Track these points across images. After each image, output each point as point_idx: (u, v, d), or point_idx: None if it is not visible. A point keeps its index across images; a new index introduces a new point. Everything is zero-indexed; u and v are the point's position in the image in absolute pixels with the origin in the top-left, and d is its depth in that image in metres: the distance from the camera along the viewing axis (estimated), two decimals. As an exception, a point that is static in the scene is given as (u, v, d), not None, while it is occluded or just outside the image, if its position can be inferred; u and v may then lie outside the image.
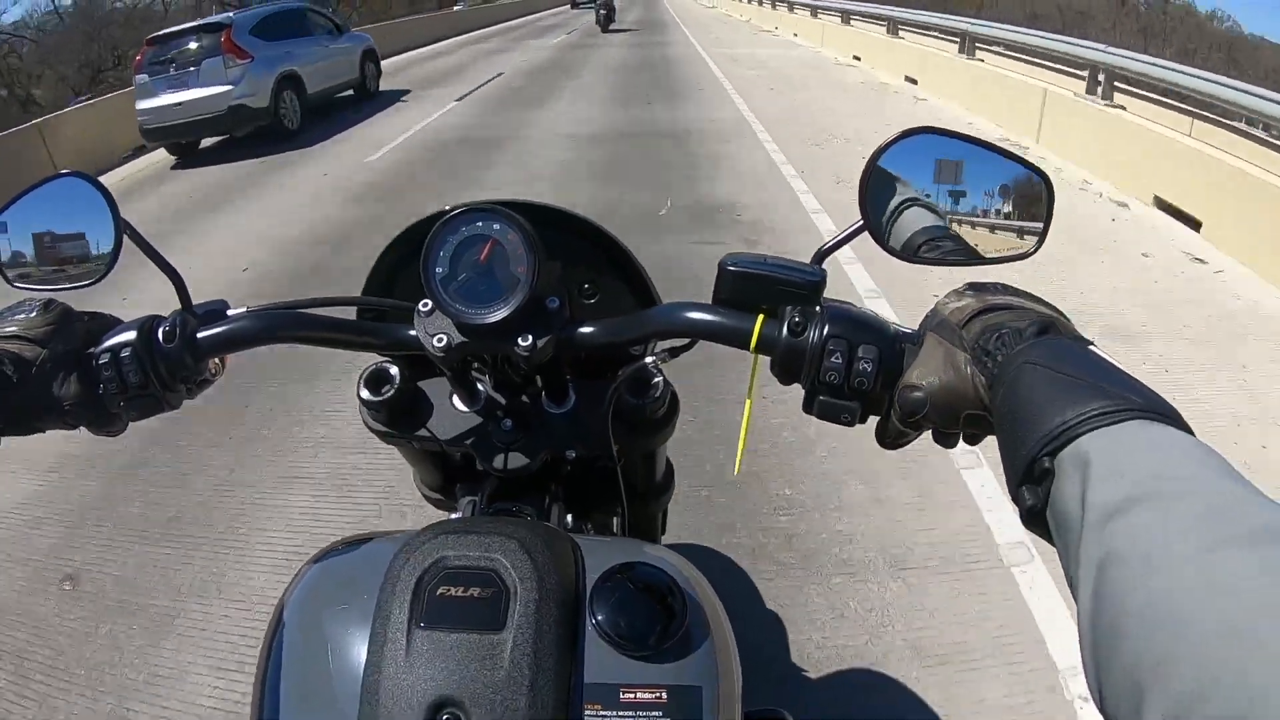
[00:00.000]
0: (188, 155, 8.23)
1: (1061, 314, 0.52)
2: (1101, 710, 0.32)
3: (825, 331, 0.57)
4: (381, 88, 11.19)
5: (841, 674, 1.72)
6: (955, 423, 0.51)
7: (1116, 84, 5.77)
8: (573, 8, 32.57)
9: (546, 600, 0.56)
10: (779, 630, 1.83)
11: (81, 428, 0.65)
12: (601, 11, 19.90)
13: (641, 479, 0.91)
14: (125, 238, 0.67)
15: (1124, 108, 5.66)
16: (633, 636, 0.56)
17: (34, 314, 0.64)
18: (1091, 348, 0.46)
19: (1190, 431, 0.39)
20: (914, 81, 9.25)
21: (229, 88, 7.90)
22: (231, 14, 9.17)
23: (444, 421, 0.77)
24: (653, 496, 0.94)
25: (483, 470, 0.77)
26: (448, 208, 0.67)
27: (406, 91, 11.17)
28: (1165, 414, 0.39)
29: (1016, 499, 0.42)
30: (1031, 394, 0.42)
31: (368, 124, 9.05)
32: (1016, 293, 0.54)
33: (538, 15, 30.03)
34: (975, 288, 0.55)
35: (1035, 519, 0.41)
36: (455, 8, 27.27)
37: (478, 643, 0.54)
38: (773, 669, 1.73)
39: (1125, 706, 0.30)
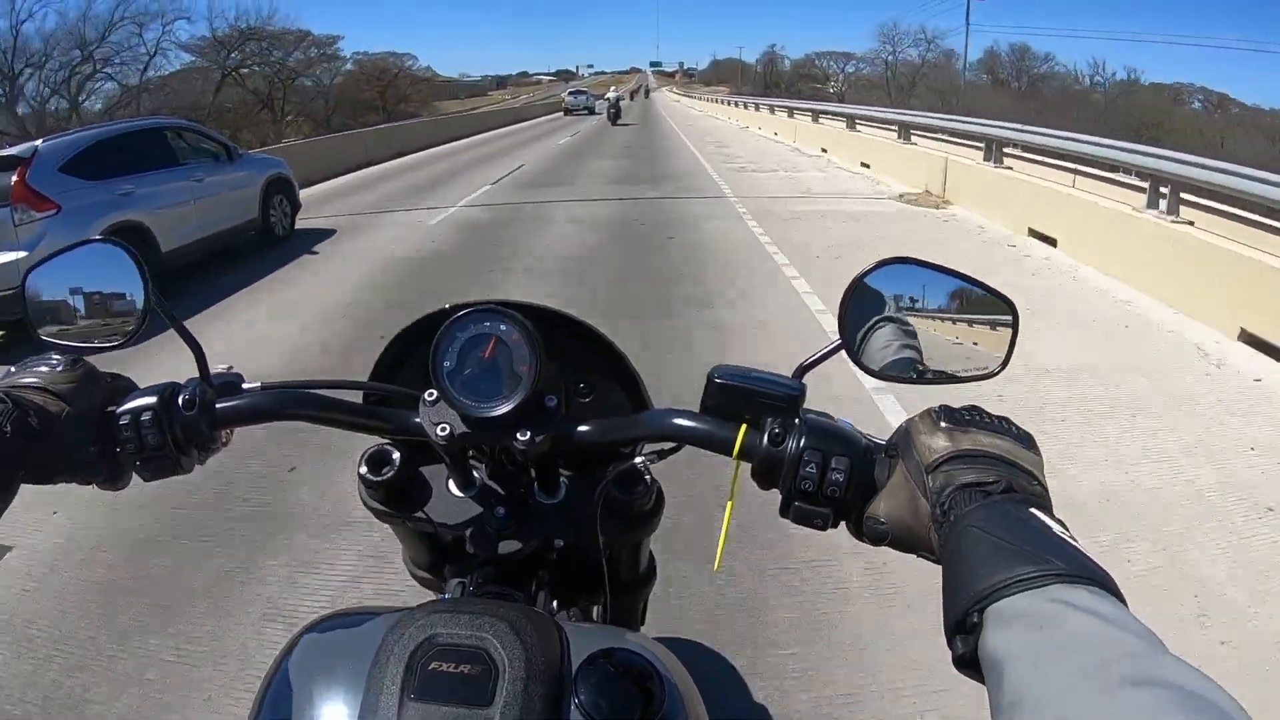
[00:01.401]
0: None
1: (1031, 447, 0.56)
2: None
3: (802, 443, 0.61)
4: (302, 225, 8.28)
5: None
6: (913, 552, 0.57)
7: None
8: (566, 115, 36.42)
9: (533, 680, 0.57)
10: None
11: (92, 484, 0.67)
12: (611, 110, 28.85)
13: (625, 569, 0.92)
14: (155, 308, 0.70)
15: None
16: (615, 717, 0.58)
17: (59, 369, 0.66)
18: (1033, 510, 0.50)
19: (1117, 593, 0.44)
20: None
21: (18, 255, 4.98)
22: (38, 143, 5.67)
23: (440, 505, 0.80)
24: (635, 587, 0.96)
25: (473, 553, 0.79)
26: (453, 306, 0.72)
27: (329, 234, 8.20)
28: (1090, 577, 0.44)
29: (950, 645, 0.46)
30: (970, 556, 0.47)
31: (248, 296, 6.06)
32: (989, 424, 0.57)
33: (524, 125, 29.43)
34: (949, 418, 0.57)
35: (965, 664, 0.45)
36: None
37: (467, 717, 0.55)
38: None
39: None
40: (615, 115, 28.40)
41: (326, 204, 10.02)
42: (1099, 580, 0.44)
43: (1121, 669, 0.36)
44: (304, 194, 8.89)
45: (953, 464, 0.54)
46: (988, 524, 0.48)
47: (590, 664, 0.61)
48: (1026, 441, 0.57)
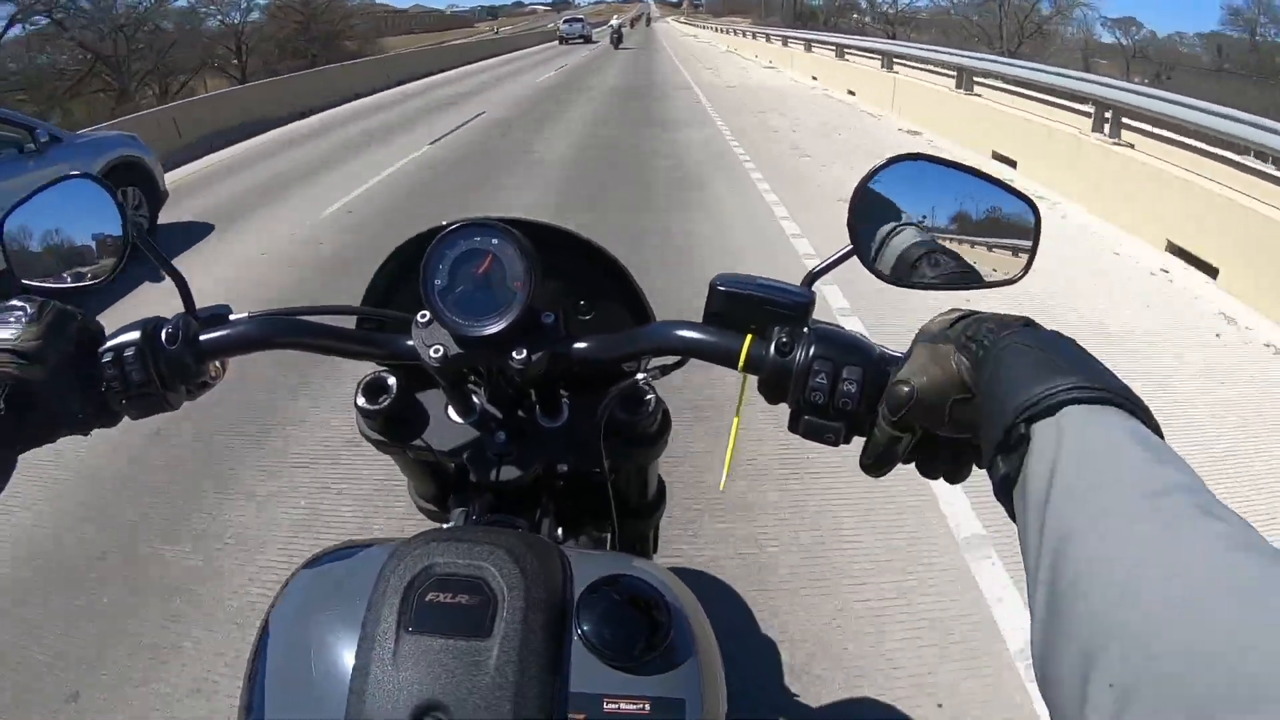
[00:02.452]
0: None
1: None
2: (1044, 691, 0.33)
3: (811, 353, 0.58)
4: (169, 219, 5.79)
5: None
6: (943, 418, 0.52)
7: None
8: (562, 44, 34.25)
9: (533, 609, 0.56)
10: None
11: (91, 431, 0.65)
12: (614, 36, 31.21)
13: (633, 494, 0.91)
14: (133, 241, 0.68)
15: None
16: (618, 647, 0.57)
17: (26, 323, 0.62)
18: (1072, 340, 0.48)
19: (1159, 429, 0.41)
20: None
21: None
22: None
23: (439, 432, 0.78)
24: (644, 513, 0.94)
25: (476, 482, 0.77)
26: (447, 223, 0.69)
27: (208, 229, 5.81)
28: (1137, 405, 0.41)
29: (991, 469, 0.43)
30: (1016, 368, 0.44)
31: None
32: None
33: (505, 59, 26.50)
34: (960, 310, 0.56)
35: (1005, 488, 0.42)
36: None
37: (464, 649, 0.54)
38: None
39: (1071, 679, 0.31)
40: (618, 40, 31.02)
41: (207, 187, 7.37)
42: (1146, 412, 0.41)
43: (1186, 500, 0.34)
44: (181, 173, 7.48)
45: (972, 315, 0.53)
46: (1033, 341, 0.46)
47: (593, 592, 0.60)
48: None
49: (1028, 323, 0.50)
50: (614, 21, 35.58)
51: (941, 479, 0.57)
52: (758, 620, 1.92)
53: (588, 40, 37.48)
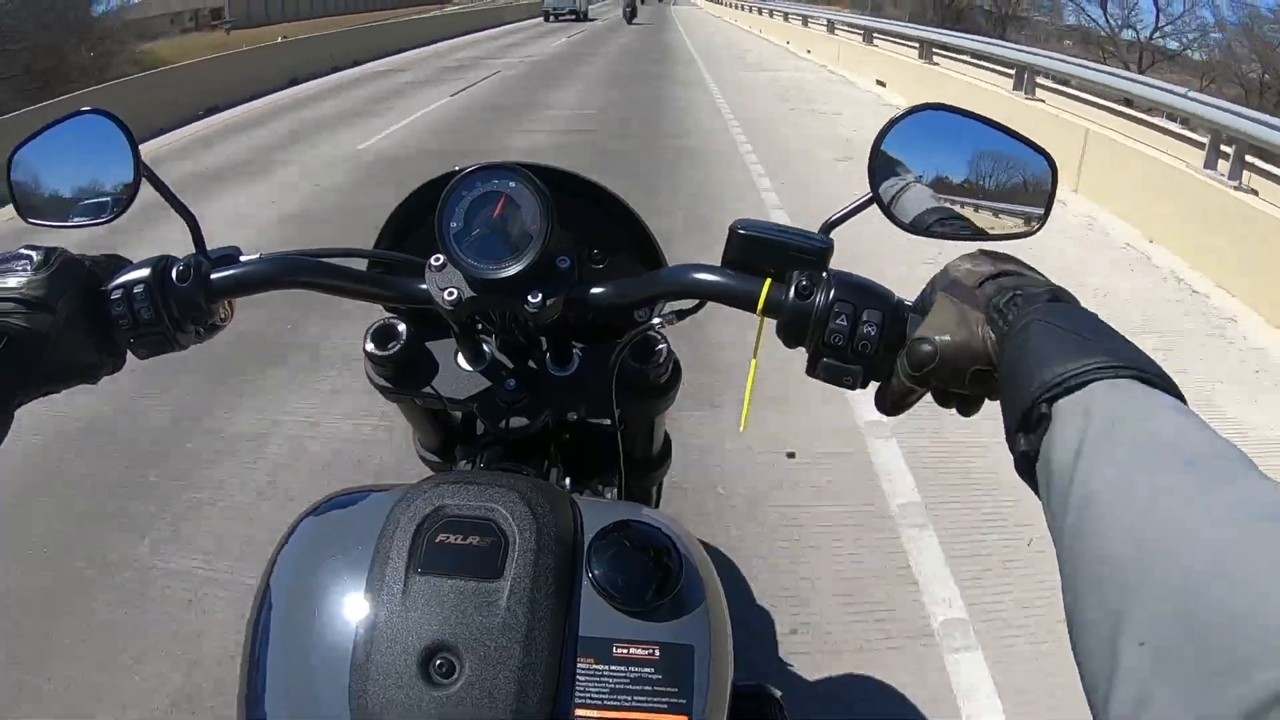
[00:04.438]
0: None
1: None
2: (1075, 649, 0.33)
3: (831, 296, 0.58)
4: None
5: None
6: (962, 380, 0.53)
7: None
8: (547, 20, 26.44)
9: (545, 552, 0.56)
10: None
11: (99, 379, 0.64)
12: (627, 8, 25.84)
13: (640, 447, 0.91)
14: (144, 178, 0.67)
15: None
16: (628, 592, 0.57)
17: (34, 268, 0.60)
18: (1096, 315, 0.47)
19: (1183, 398, 0.41)
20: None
21: None
22: None
23: (448, 380, 0.78)
24: (650, 467, 0.95)
25: (484, 431, 0.77)
26: (461, 166, 0.68)
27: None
28: (1163, 379, 0.41)
29: (1012, 446, 0.43)
30: (1038, 346, 0.44)
31: None
32: (1026, 266, 0.55)
33: (488, 34, 21.36)
34: (987, 254, 0.56)
35: (1028, 466, 0.42)
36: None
37: (475, 590, 0.54)
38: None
39: (1100, 638, 0.31)
40: (631, 14, 25.39)
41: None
42: (1172, 385, 0.41)
43: (1215, 464, 0.34)
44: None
45: (1002, 279, 0.52)
46: (1056, 318, 0.46)
47: (603, 537, 0.60)
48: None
49: (1054, 295, 0.49)
50: None
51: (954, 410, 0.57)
52: (754, 592, 1.94)
53: (580, 17, 27.83)
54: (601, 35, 20.51)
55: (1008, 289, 0.51)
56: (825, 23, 13.83)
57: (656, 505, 1.04)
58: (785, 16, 17.14)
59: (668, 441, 0.97)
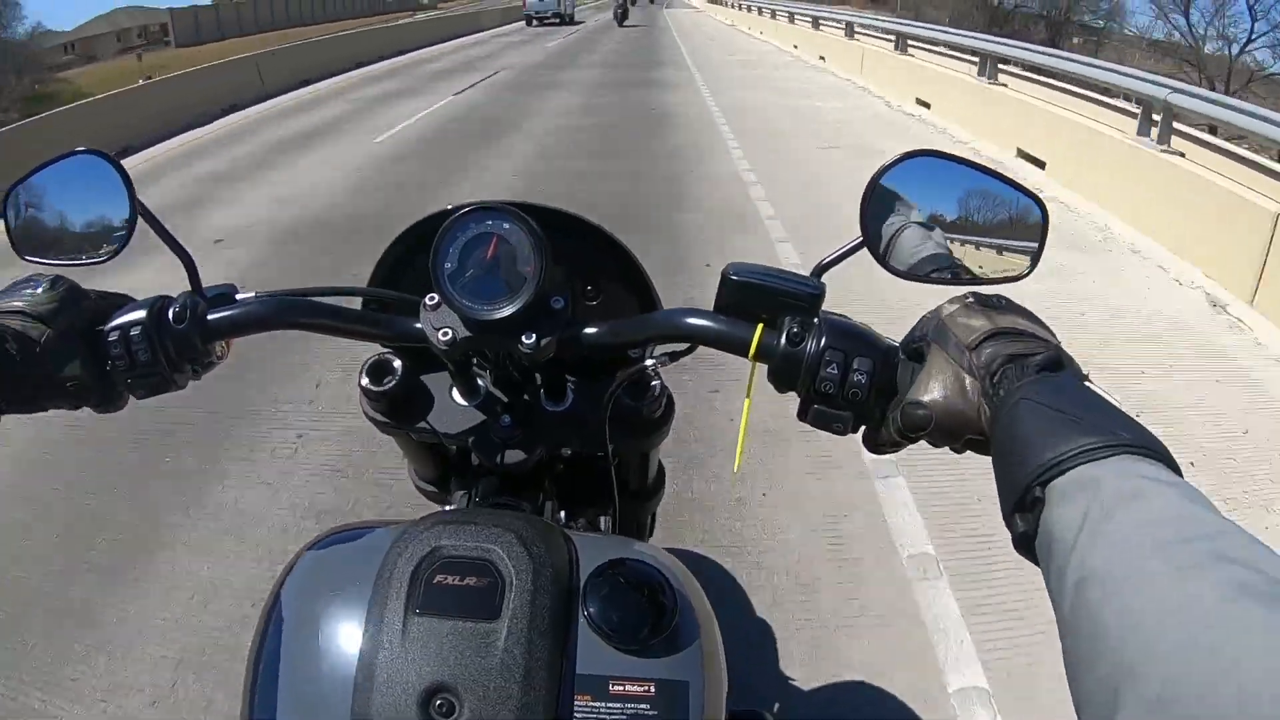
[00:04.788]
0: None
1: (1055, 336, 0.54)
2: (1080, 716, 0.34)
3: (823, 343, 0.59)
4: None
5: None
6: (955, 442, 0.54)
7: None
8: (529, 24, 25.05)
9: (541, 591, 0.57)
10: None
11: (84, 408, 0.65)
12: (618, 9, 24.69)
13: (634, 479, 0.92)
14: (139, 218, 0.67)
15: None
16: (624, 630, 0.58)
17: (40, 290, 0.63)
18: (1088, 384, 0.48)
19: (1174, 466, 0.42)
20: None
21: None
22: None
23: (444, 415, 0.78)
24: (644, 497, 0.95)
25: (479, 464, 0.78)
26: (455, 206, 0.68)
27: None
28: (1151, 449, 0.42)
29: (1010, 524, 0.44)
30: (1028, 429, 0.45)
31: None
32: (1019, 310, 0.56)
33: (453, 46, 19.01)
34: (981, 301, 0.56)
35: (1025, 544, 0.43)
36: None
37: (473, 630, 0.55)
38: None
39: (1101, 712, 0.32)
40: (622, 15, 24.21)
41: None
42: (1162, 454, 0.42)
43: (1201, 546, 0.34)
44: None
45: (996, 340, 0.52)
46: (1044, 396, 0.46)
47: (599, 575, 0.60)
48: (1049, 329, 0.55)
49: (1045, 363, 0.50)
50: None
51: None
52: (755, 609, 1.94)
53: (565, 20, 26.19)
54: (588, 43, 18.86)
55: (1001, 356, 0.51)
56: (844, 25, 12.04)
57: (650, 534, 1.05)
58: (791, 17, 15.39)
59: (661, 472, 0.98)
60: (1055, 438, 0.43)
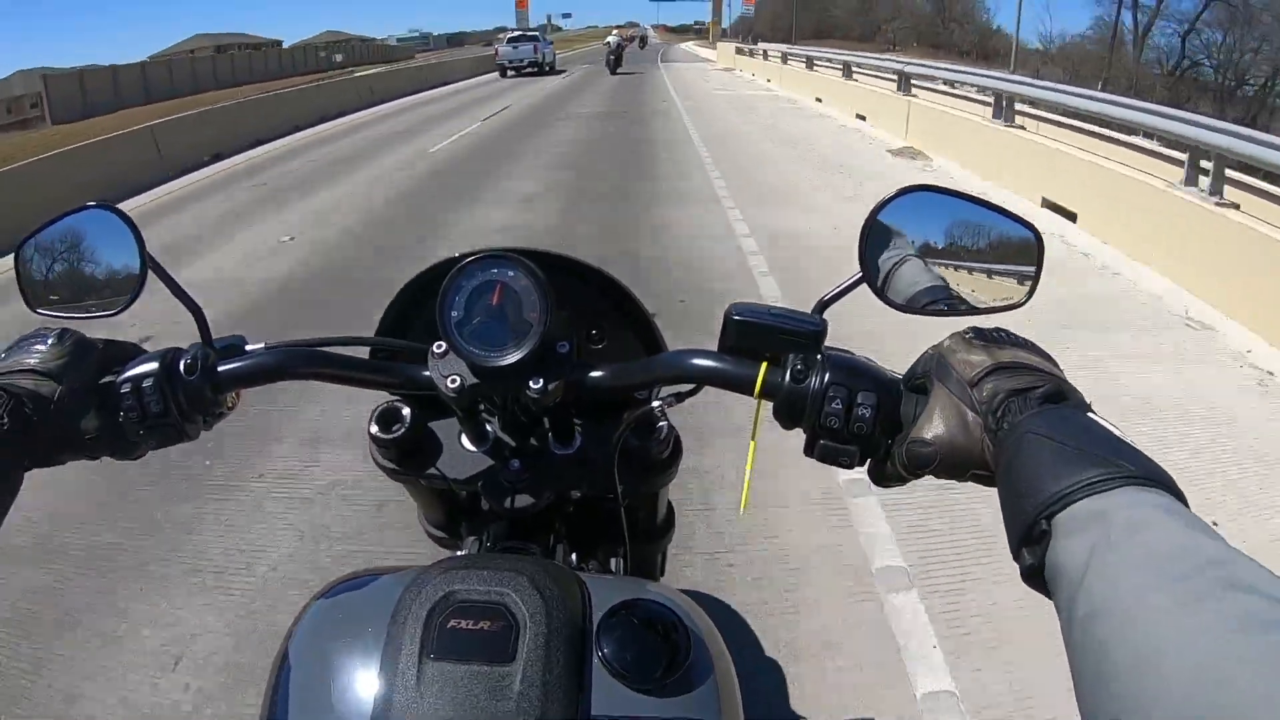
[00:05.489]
0: None
1: (1056, 364, 0.55)
2: None
3: (826, 379, 0.59)
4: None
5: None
6: (960, 477, 0.54)
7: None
8: (503, 76, 23.71)
9: (555, 634, 0.56)
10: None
11: (103, 458, 0.65)
12: (611, 57, 23.76)
13: (644, 519, 0.92)
14: (150, 271, 0.68)
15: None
16: (639, 670, 0.57)
17: (49, 346, 0.64)
18: (1090, 414, 0.48)
19: (1179, 494, 0.42)
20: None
21: None
22: None
23: (453, 461, 0.78)
24: (654, 537, 0.95)
25: (489, 509, 0.78)
26: (461, 254, 0.70)
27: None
28: (1155, 479, 0.42)
29: (1017, 558, 0.44)
30: (1032, 462, 0.45)
31: None
32: (1019, 342, 0.56)
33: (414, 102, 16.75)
34: (981, 336, 0.56)
35: (1033, 577, 0.43)
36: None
37: (488, 675, 0.54)
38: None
39: None
40: (615, 63, 23.05)
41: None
42: (1166, 484, 0.42)
43: (1206, 576, 0.34)
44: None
45: (997, 375, 0.53)
46: (1047, 429, 0.46)
47: (612, 616, 0.60)
48: (1051, 359, 0.55)
49: (1046, 395, 0.50)
50: (611, 38, 25.56)
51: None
52: (762, 644, 1.92)
53: (543, 70, 24.34)
54: (564, 103, 15.11)
55: (1002, 391, 0.51)
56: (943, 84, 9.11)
57: (662, 572, 1.04)
58: (847, 70, 11.86)
59: (671, 511, 0.98)
60: (1059, 471, 0.43)
